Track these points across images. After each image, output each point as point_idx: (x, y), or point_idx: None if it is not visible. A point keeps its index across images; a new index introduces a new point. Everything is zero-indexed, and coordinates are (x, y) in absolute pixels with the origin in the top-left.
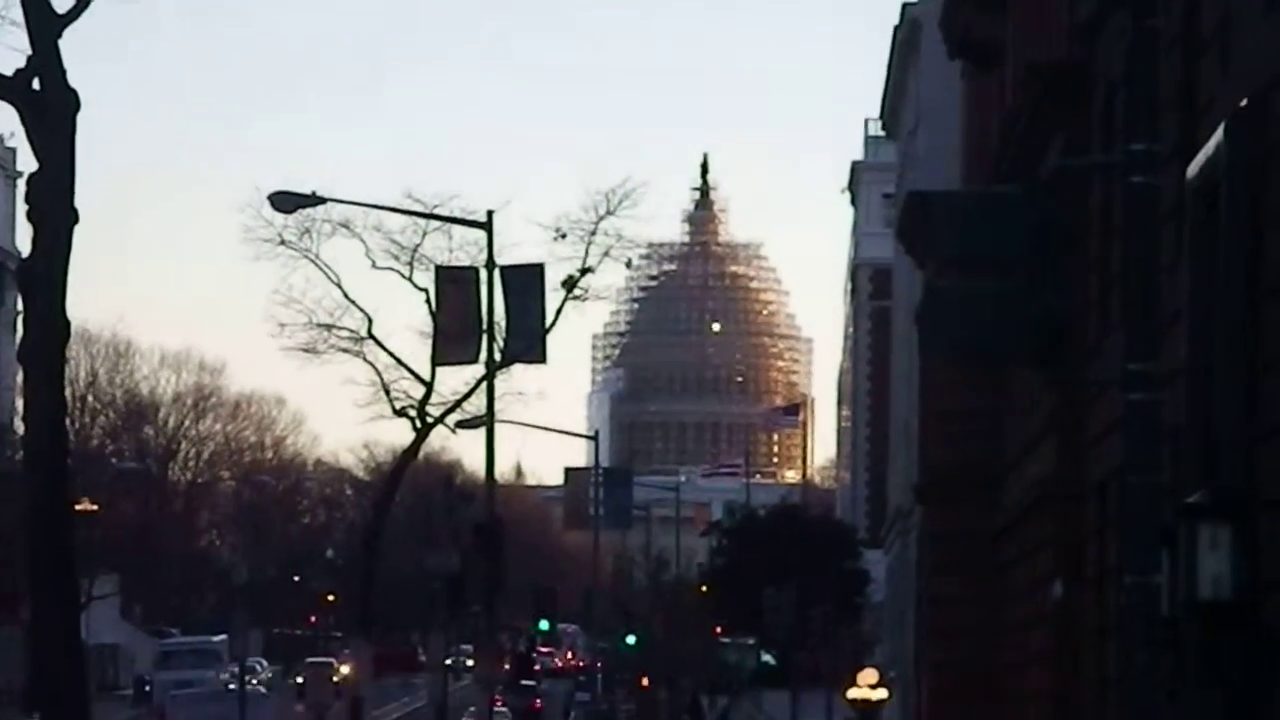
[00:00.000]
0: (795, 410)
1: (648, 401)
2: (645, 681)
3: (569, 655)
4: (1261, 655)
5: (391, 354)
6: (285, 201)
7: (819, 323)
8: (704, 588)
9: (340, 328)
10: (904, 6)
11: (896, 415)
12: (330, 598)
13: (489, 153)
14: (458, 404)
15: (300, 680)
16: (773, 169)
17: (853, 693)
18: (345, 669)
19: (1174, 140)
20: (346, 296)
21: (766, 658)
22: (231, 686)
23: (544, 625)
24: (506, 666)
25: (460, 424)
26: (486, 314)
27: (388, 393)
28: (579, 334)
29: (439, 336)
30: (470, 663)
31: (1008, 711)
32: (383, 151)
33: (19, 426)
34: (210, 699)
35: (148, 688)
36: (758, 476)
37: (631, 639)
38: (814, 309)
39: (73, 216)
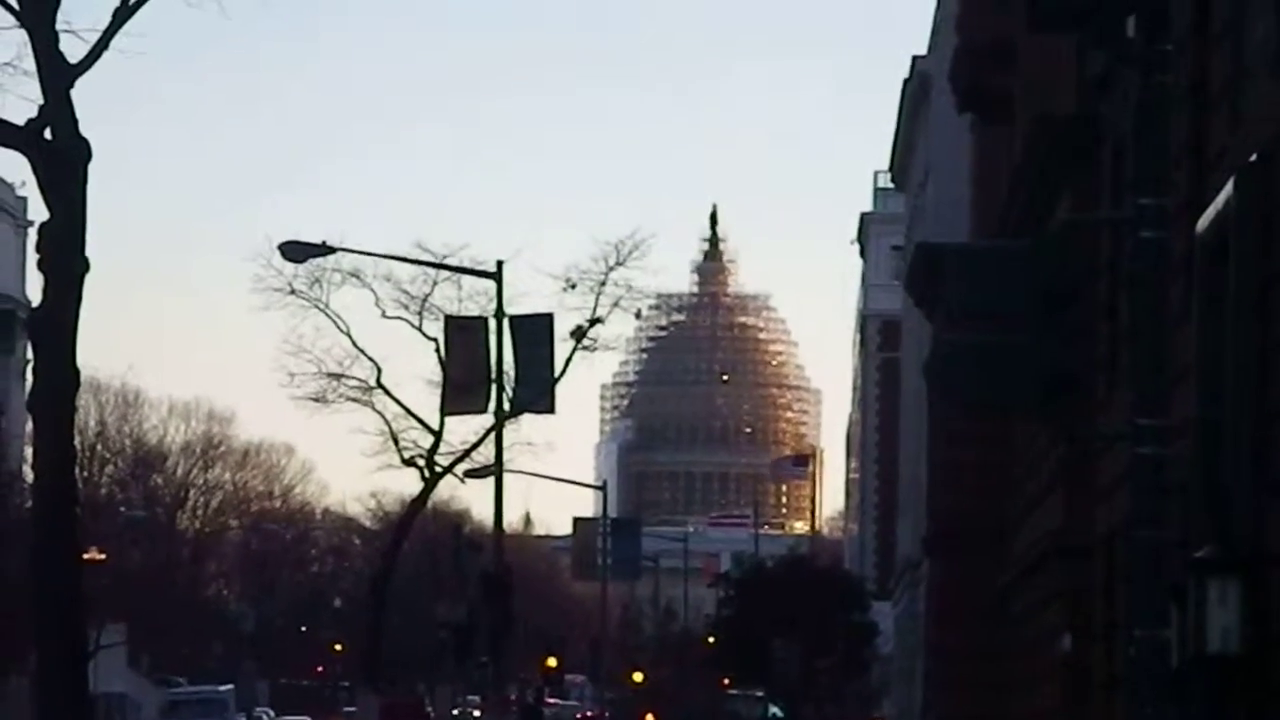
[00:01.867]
0: (804, 461)
1: (656, 452)
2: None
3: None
4: (1269, 710)
5: (400, 403)
6: (296, 251)
7: (828, 374)
8: (711, 639)
9: (349, 377)
10: (914, 60)
11: (905, 467)
12: (338, 647)
13: (499, 203)
14: (466, 453)
15: None
16: (782, 220)
17: None
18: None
19: (1183, 195)
20: (356, 346)
21: (774, 709)
22: None
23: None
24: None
25: (469, 473)
26: (496, 364)
27: (396, 442)
28: (588, 384)
29: (448, 386)
30: (477, 713)
31: None
32: (393, 201)
33: (28, 475)
34: None
35: None
36: (766, 528)
37: (638, 676)
38: (823, 360)
39: (83, 266)
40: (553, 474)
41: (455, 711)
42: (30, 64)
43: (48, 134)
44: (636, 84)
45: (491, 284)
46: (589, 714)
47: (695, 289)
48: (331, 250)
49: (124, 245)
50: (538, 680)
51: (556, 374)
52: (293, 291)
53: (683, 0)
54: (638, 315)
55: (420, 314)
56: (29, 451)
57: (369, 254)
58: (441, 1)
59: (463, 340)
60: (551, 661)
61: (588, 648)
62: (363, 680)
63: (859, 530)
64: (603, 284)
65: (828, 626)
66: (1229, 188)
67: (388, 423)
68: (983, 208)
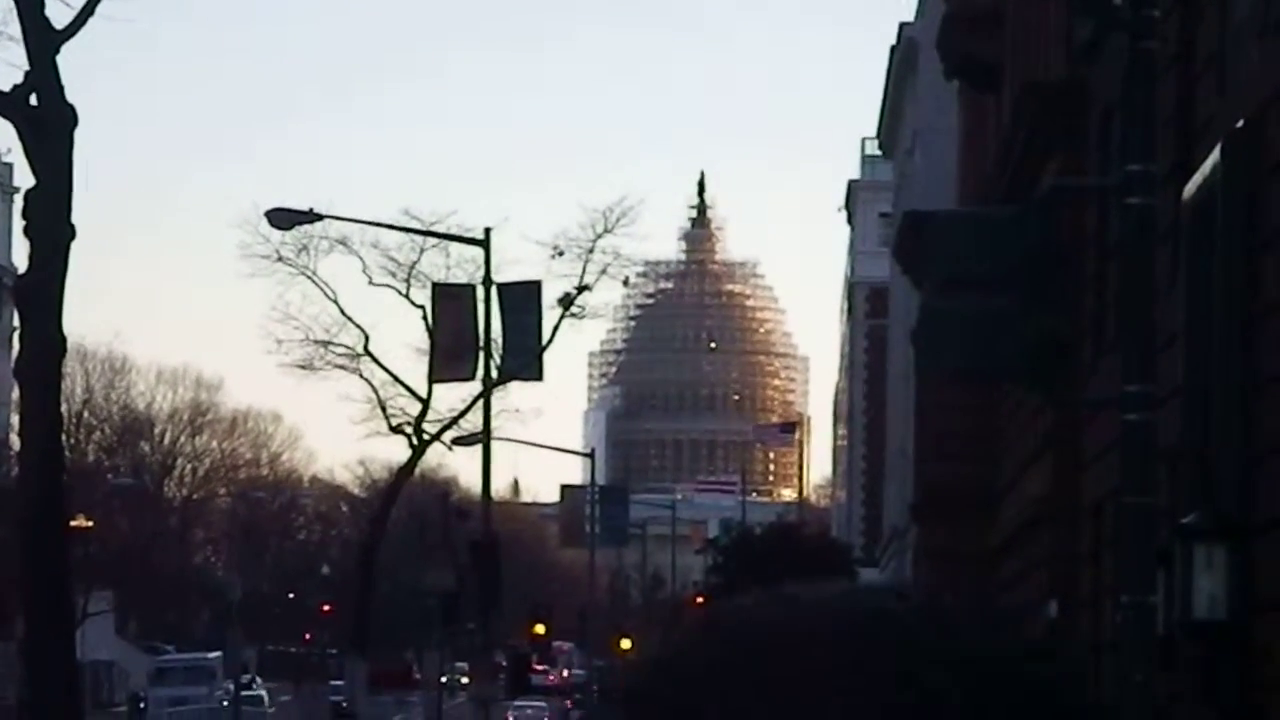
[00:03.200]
0: (791, 428)
1: (644, 419)
2: None
3: (564, 673)
4: (1255, 674)
5: (388, 371)
6: (283, 218)
7: (815, 341)
8: (699, 598)
9: (337, 344)
10: (901, 26)
11: (892, 434)
12: (326, 608)
13: (487, 171)
14: (454, 421)
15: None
16: (770, 187)
17: None
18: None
19: (1170, 161)
20: (343, 313)
21: None
22: (225, 703)
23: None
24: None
25: (456, 441)
26: (483, 331)
27: (384, 409)
28: (576, 351)
29: (436, 353)
30: (465, 680)
31: None
32: (381, 169)
33: (14, 442)
34: (205, 716)
35: (142, 705)
36: (754, 495)
37: (626, 642)
38: (810, 327)
39: (70, 232)
40: (540, 441)
41: (443, 679)
42: (15, 29)
43: (33, 100)
44: (623, 51)
45: (479, 251)
46: (573, 684)
47: (683, 256)
48: (319, 217)
49: (110, 211)
50: (524, 647)
51: (544, 341)
52: (280, 259)
53: None
54: (625, 282)
55: (408, 281)
56: (15, 419)
57: (356, 221)
58: None
59: (450, 308)
60: (539, 628)
61: (576, 615)
62: (351, 647)
63: (846, 497)
64: (590, 251)
65: None
66: (1216, 154)
67: (375, 390)
68: (970, 174)
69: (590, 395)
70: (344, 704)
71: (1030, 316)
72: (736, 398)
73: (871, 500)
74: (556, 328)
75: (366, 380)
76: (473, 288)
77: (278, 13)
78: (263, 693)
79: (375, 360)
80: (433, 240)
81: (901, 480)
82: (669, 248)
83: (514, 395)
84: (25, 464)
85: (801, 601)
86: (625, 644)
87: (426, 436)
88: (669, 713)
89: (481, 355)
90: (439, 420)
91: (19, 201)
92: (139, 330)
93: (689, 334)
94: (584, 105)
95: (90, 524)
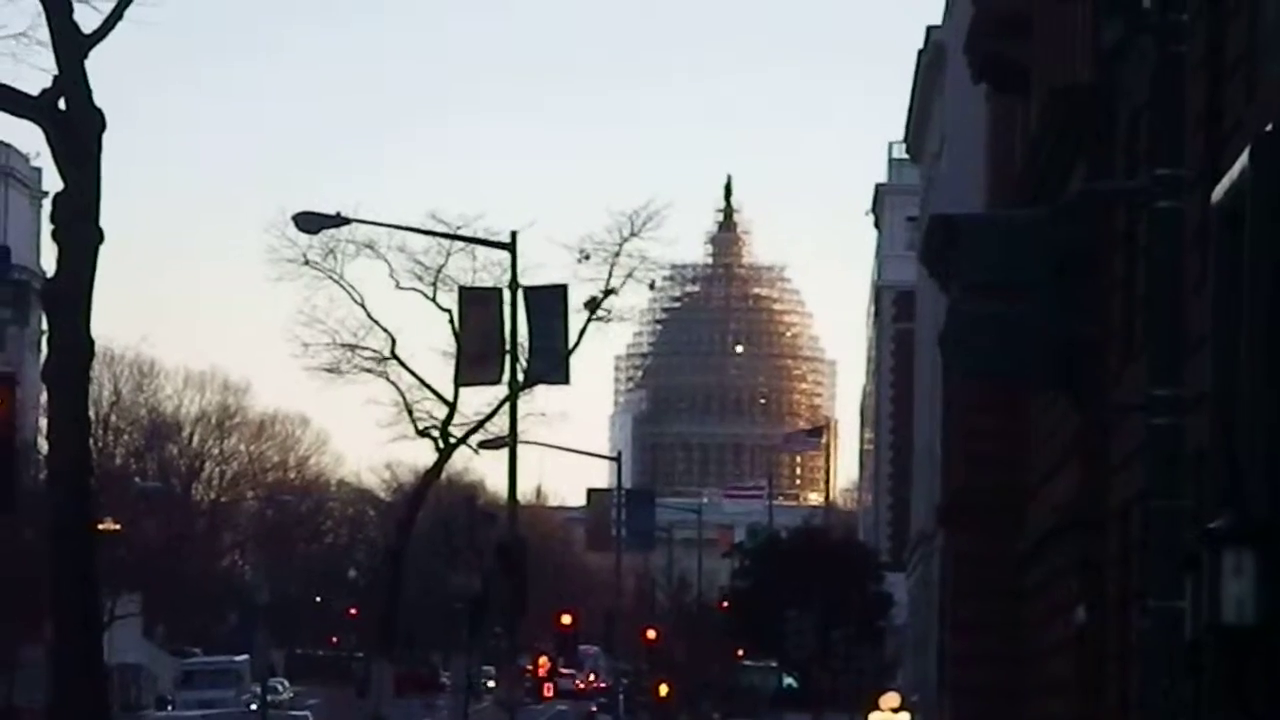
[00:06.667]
0: (818, 432)
1: (670, 423)
2: (664, 690)
3: (590, 677)
4: None
5: (415, 374)
6: (310, 222)
7: (842, 345)
8: (725, 603)
9: (364, 348)
10: (929, 30)
11: (920, 438)
12: (352, 612)
13: (513, 174)
14: (480, 424)
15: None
16: (797, 191)
17: (874, 716)
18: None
19: (1198, 165)
20: (370, 317)
21: (788, 680)
22: (254, 707)
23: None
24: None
25: (483, 444)
26: (510, 335)
27: (411, 413)
28: (602, 355)
29: (462, 357)
30: (491, 684)
31: None
32: (407, 172)
33: (42, 445)
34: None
35: (170, 707)
36: (780, 499)
37: (651, 633)
38: (837, 331)
39: (98, 236)
40: (567, 445)
41: (469, 682)
42: (44, 34)
43: (62, 104)
44: (650, 55)
45: (506, 255)
46: (602, 685)
47: (710, 260)
48: (346, 221)
49: (138, 215)
50: (550, 648)
51: (571, 345)
52: (307, 262)
53: None
54: (652, 286)
55: (434, 285)
56: (44, 422)
57: (383, 225)
58: None
59: (477, 311)
60: (566, 619)
61: (602, 619)
62: (377, 651)
63: (873, 501)
64: (617, 255)
65: (842, 598)
66: (1244, 157)
67: (402, 394)
68: (998, 178)
69: (616, 399)
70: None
71: (1058, 320)
72: (763, 401)
73: (898, 504)
74: (583, 331)
75: (393, 384)
76: (499, 291)
77: (306, 20)
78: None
79: (402, 364)
80: (459, 244)
81: (929, 484)
82: (696, 251)
83: (540, 399)
84: (53, 467)
85: None
86: (651, 634)
87: (453, 440)
88: None
89: (508, 359)
90: (465, 424)
91: (47, 205)
92: (167, 334)
93: (715, 337)
94: (610, 109)
95: (118, 527)
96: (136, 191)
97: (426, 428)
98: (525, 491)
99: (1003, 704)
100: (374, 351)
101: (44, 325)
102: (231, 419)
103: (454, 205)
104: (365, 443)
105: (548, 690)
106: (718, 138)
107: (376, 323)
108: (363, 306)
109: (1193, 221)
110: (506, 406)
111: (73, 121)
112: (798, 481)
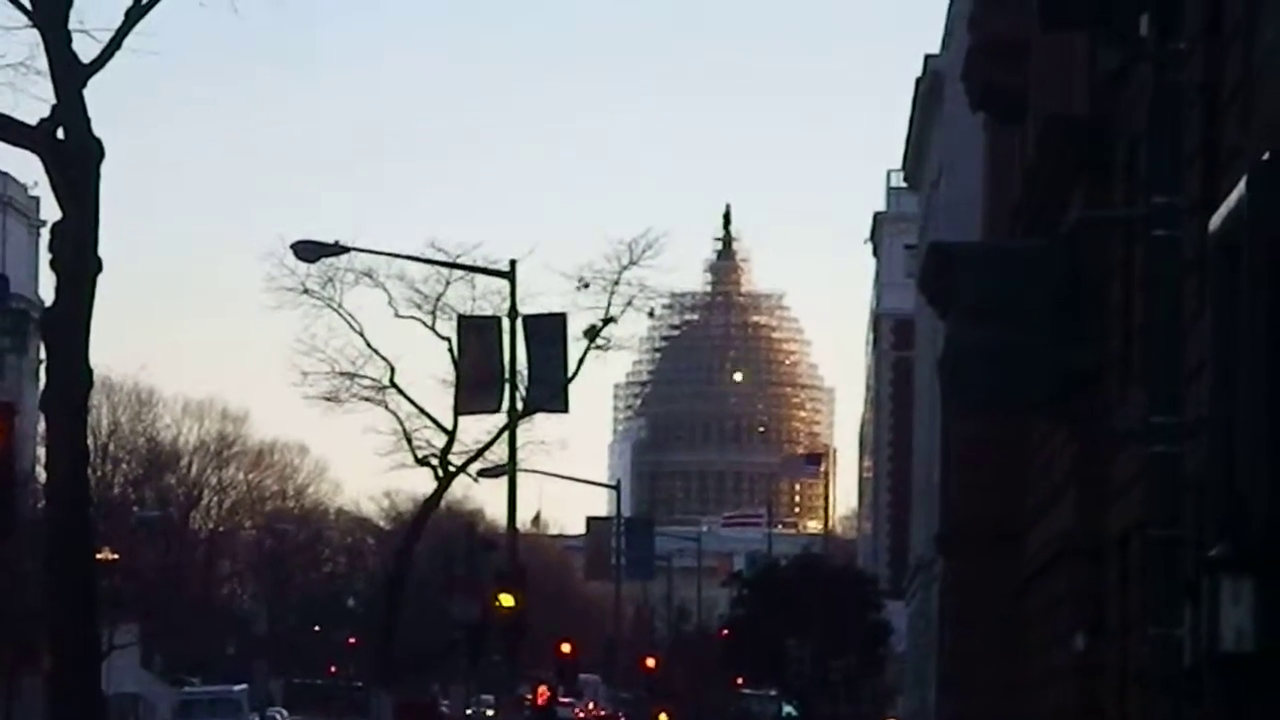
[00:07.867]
0: (817, 460)
1: (669, 451)
2: (664, 718)
3: (590, 706)
4: None
5: (414, 403)
6: (309, 250)
7: (841, 373)
8: (724, 631)
9: (363, 376)
10: (926, 58)
11: (918, 466)
12: (351, 641)
13: (512, 203)
14: (480, 453)
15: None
16: (795, 219)
17: None
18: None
19: (1196, 193)
20: (369, 345)
21: (788, 708)
22: None
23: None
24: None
25: (482, 473)
26: (509, 363)
27: (410, 441)
28: (601, 383)
29: (461, 385)
30: (491, 712)
31: None
32: (406, 201)
33: (41, 475)
34: None
35: None
36: (779, 527)
37: (651, 661)
38: (836, 359)
39: (96, 265)
40: (566, 473)
41: (469, 711)
42: (43, 63)
43: (60, 134)
44: (649, 83)
45: (505, 283)
46: (602, 713)
47: (708, 288)
48: (344, 250)
49: (136, 244)
50: (550, 676)
51: (570, 373)
52: (306, 291)
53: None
54: (651, 314)
55: (433, 313)
56: (42, 451)
57: (382, 253)
58: (453, 1)
59: (476, 340)
60: (565, 647)
61: (601, 648)
62: (376, 680)
63: (872, 529)
64: (616, 283)
65: (842, 626)
66: (1242, 186)
67: (401, 422)
68: (996, 206)
69: (616, 427)
70: None
71: (1057, 348)
72: (762, 429)
73: (897, 532)
74: (582, 360)
75: (392, 412)
76: (498, 320)
77: (304, 49)
78: None
79: (401, 392)
80: (458, 272)
81: (928, 512)
82: (695, 280)
83: (539, 427)
84: (52, 496)
85: None
86: (650, 662)
87: (452, 468)
88: None
89: (507, 387)
90: (465, 452)
91: (45, 235)
92: (165, 362)
93: (714, 366)
94: (609, 138)
95: (116, 556)
96: (135, 220)
97: (426, 456)
98: (524, 520)
99: None
100: (373, 380)
101: (43, 354)
102: (230, 448)
103: (453, 234)
104: (364, 471)
105: None
106: (716, 166)
107: (375, 351)
108: (361, 335)
109: (1190, 249)
110: (506, 435)
111: (71, 151)
112: (797, 510)
